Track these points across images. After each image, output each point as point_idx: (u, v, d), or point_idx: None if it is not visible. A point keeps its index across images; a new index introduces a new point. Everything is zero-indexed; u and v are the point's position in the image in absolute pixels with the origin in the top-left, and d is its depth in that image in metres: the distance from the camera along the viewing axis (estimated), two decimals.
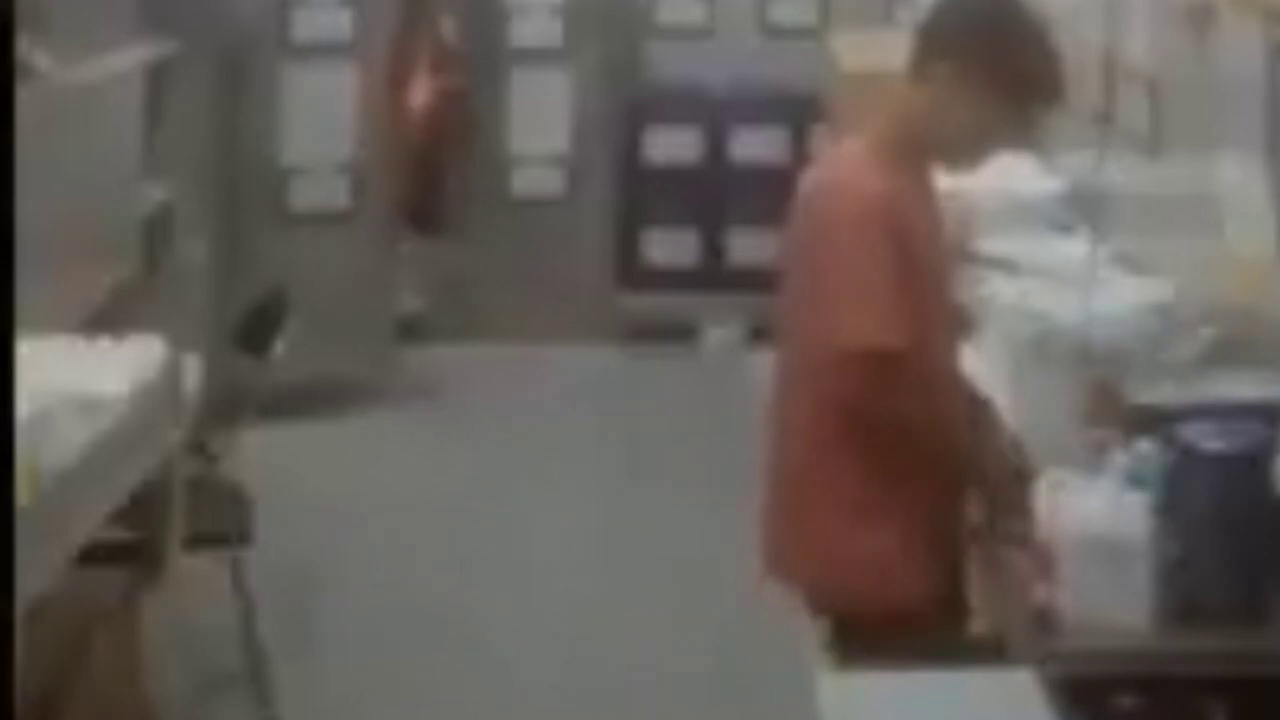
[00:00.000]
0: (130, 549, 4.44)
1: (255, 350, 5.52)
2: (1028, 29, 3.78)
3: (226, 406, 5.31)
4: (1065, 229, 5.13)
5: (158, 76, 6.96)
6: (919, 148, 3.78)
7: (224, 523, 5.11)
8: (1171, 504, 3.31)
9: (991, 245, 4.82)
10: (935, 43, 3.79)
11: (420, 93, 8.55)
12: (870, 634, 3.67)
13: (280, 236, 7.61)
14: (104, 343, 4.46)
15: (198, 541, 4.82)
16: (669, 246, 8.75)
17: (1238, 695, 3.26)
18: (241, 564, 5.16)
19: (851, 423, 3.67)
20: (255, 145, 7.60)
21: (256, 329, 5.62)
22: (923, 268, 3.70)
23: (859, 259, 3.61)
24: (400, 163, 8.15)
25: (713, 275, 8.70)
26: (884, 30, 7.41)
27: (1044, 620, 3.33)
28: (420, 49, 8.55)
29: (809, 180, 3.85)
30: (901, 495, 3.71)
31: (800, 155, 7.86)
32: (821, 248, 3.70)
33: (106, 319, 5.25)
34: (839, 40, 7.72)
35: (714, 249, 8.74)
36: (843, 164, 3.81)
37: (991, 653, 3.54)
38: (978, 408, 3.91)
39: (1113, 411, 3.67)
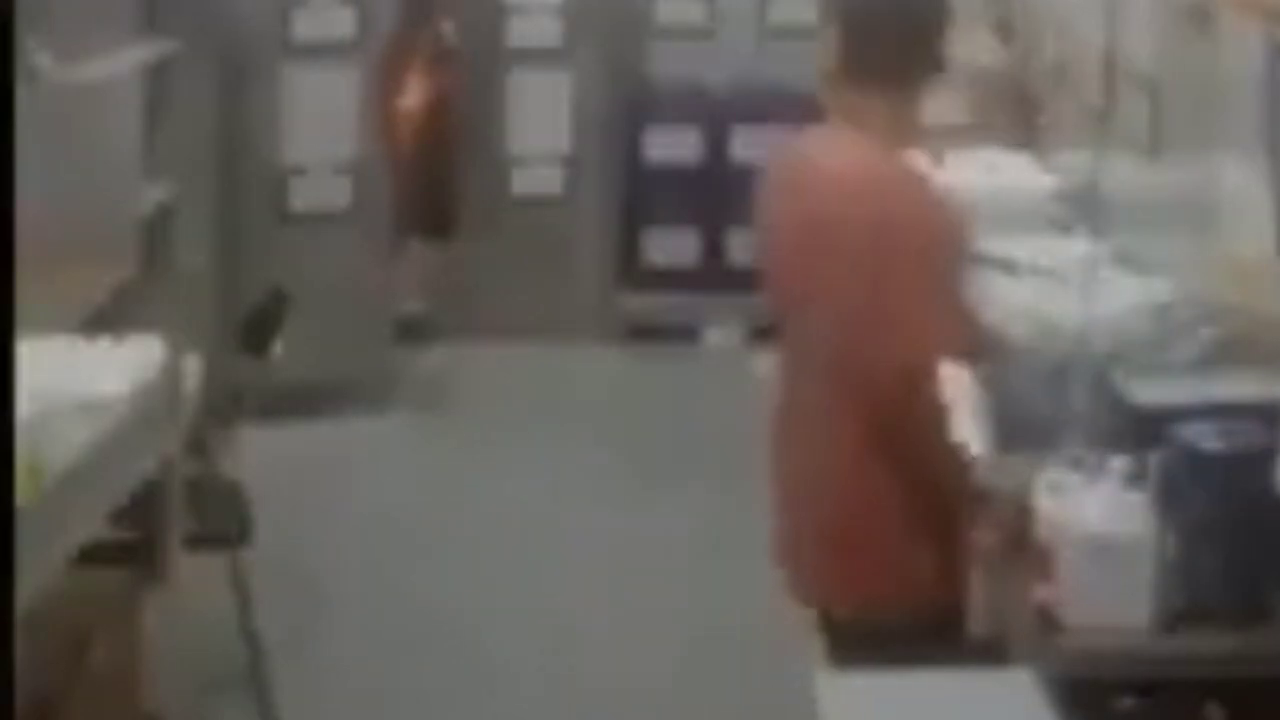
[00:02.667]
0: (130, 549, 4.44)
1: (255, 350, 5.52)
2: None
3: (226, 406, 5.31)
4: (1065, 229, 5.12)
5: (158, 76, 6.96)
6: (892, 140, 3.77)
7: (224, 523, 5.11)
8: (1171, 504, 3.31)
9: (991, 245, 4.81)
10: (857, 35, 3.79)
11: (414, 93, 8.54)
12: (871, 634, 3.67)
13: (280, 237, 7.61)
14: (104, 343, 4.45)
15: (198, 541, 4.82)
16: (669, 246, 8.74)
17: (1238, 696, 3.26)
18: (241, 564, 5.16)
19: (869, 426, 3.65)
20: (255, 145, 7.59)
21: (256, 329, 5.62)
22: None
23: (920, 269, 3.59)
24: (397, 163, 8.14)
25: (713, 275, 8.69)
26: None
27: (1044, 620, 3.33)
28: (418, 49, 8.54)
29: (801, 165, 3.82)
30: (905, 495, 3.71)
31: None
32: (874, 254, 3.61)
33: (106, 319, 5.24)
34: None
35: (714, 249, 8.73)
36: (855, 157, 3.75)
37: (991, 653, 3.54)
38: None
39: (1112, 412, 3.67)
